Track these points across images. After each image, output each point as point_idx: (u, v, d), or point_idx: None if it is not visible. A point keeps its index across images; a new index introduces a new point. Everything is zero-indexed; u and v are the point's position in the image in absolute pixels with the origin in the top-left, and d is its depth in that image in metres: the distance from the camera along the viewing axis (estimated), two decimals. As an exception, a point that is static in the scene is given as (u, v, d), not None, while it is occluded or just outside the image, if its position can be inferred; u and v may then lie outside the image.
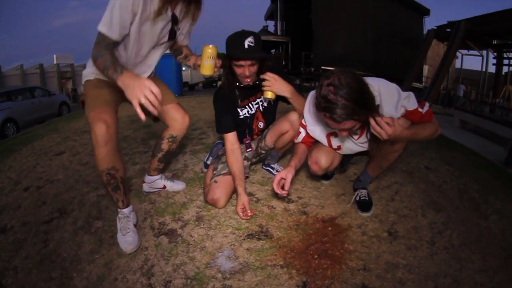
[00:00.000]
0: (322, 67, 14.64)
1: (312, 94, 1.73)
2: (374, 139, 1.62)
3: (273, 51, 21.16)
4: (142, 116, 1.27)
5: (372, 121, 1.39)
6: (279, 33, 19.18)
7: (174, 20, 1.66)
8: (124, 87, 1.31)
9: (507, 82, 11.46)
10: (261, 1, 35.32)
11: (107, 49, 1.42)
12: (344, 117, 1.32)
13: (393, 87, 1.54)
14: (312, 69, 15.01)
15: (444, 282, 1.44)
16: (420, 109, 1.54)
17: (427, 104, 1.58)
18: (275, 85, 1.88)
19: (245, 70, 1.83)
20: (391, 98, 1.50)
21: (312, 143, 1.87)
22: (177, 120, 1.85)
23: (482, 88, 13.13)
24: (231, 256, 1.54)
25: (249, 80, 1.91)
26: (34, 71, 19.75)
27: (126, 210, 1.65)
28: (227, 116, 2.02)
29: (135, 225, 1.67)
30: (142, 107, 1.26)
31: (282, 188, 1.69)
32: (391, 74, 14.58)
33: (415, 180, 2.45)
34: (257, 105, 2.12)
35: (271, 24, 21.40)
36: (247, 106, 2.10)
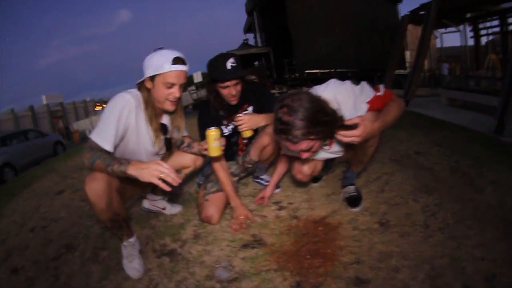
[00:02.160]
0: (306, 71, 14.71)
1: None
2: (349, 146, 1.69)
3: (256, 63, 21.28)
4: (167, 187, 1.37)
5: (338, 136, 1.43)
6: (259, 45, 19.20)
7: (164, 129, 1.81)
8: (137, 173, 1.36)
9: (488, 51, 11.28)
10: (239, 15, 35.85)
11: (102, 151, 1.47)
12: (300, 138, 1.32)
13: (346, 88, 1.55)
14: (297, 74, 15.12)
15: (441, 262, 1.42)
16: (378, 94, 1.54)
17: (382, 86, 1.60)
18: (250, 123, 2.01)
19: (231, 90, 1.96)
20: (348, 102, 1.52)
21: None
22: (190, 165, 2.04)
23: (465, 63, 12.96)
24: (227, 266, 1.62)
25: (235, 99, 2.03)
26: (25, 114, 19.76)
27: (131, 240, 1.72)
28: None
29: (139, 252, 1.75)
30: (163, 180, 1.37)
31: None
32: (374, 66, 14.66)
33: (405, 167, 2.46)
34: None
35: (251, 37, 21.51)
36: (231, 124, 2.19)
